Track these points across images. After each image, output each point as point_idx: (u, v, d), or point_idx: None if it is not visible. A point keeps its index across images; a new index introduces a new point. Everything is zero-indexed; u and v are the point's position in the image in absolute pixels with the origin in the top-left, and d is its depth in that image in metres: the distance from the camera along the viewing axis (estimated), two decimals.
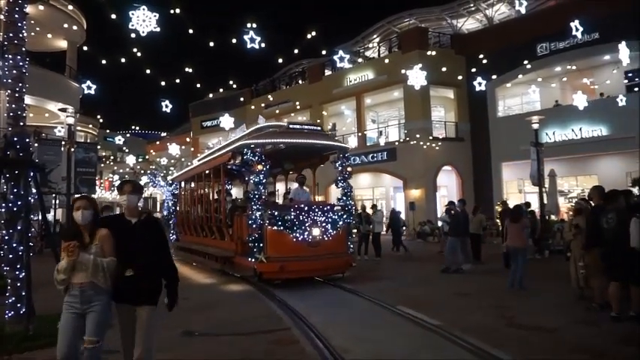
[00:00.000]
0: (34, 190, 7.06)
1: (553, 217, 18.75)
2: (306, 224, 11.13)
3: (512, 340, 6.49)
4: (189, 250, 17.15)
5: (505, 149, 26.02)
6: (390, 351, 6.15)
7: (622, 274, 7.07)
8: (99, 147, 38.99)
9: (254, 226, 11.05)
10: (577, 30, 14.55)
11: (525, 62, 22.93)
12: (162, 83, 15.19)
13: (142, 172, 45.54)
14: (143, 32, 9.58)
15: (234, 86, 21.44)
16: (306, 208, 11.28)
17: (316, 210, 11.41)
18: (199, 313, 8.28)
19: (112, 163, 54.91)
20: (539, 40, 25.67)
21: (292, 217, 11.06)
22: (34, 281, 6.74)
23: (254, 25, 11.48)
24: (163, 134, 52.12)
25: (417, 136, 28.35)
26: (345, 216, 11.73)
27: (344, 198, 12.11)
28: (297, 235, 11.03)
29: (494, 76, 22.52)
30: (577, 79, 24.83)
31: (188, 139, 46.28)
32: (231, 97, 39.90)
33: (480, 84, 17.64)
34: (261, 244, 10.93)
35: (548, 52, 25.62)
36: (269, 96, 39.06)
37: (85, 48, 21.39)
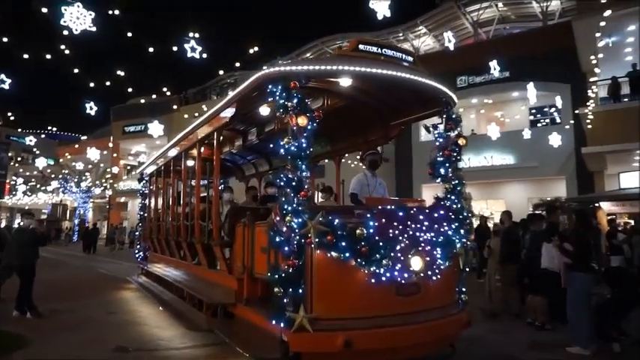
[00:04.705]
0: None
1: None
2: (400, 247, 4.97)
3: None
4: (158, 280, 10.43)
5: (426, 172, 22.90)
6: None
7: (534, 288, 7.67)
8: None
9: (285, 248, 4.81)
10: (495, 69, 16.26)
11: None
12: (89, 84, 13.99)
13: (53, 176, 39.53)
14: (76, 30, 8.83)
15: (168, 93, 20.47)
16: (399, 215, 5.00)
17: (420, 217, 5.12)
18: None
19: (17, 165, 46.91)
20: (459, 73, 25.60)
21: (371, 231, 4.87)
22: None
23: (196, 35, 10.90)
24: (83, 137, 43.88)
25: (346, 155, 22.88)
26: (462, 232, 5.63)
27: (452, 197, 5.67)
28: (380, 270, 4.81)
29: None
30: (491, 111, 25.63)
31: (111, 145, 40.09)
32: (159, 103, 34.82)
33: None
34: (301, 289, 4.72)
35: (466, 85, 25.61)
36: (203, 106, 32.77)
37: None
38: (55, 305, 8.73)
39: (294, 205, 4.83)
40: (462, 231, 5.38)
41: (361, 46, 5.33)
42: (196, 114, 31.52)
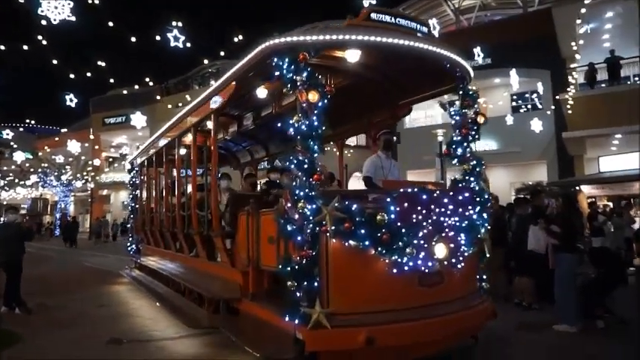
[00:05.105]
0: None
1: None
2: (423, 234, 4.36)
3: None
4: (153, 273, 9.65)
5: (411, 159, 23.69)
6: None
7: (521, 270, 7.62)
8: None
9: (298, 237, 4.22)
10: (478, 55, 16.66)
11: None
12: (69, 75, 12.71)
13: (32, 170, 37.21)
14: (55, 20, 8.16)
15: (150, 83, 19.31)
16: (423, 198, 4.44)
17: (444, 201, 4.50)
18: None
19: None
20: None
21: (392, 217, 4.31)
22: None
23: (179, 24, 10.14)
24: (63, 130, 40.83)
25: (331, 143, 22.47)
26: (484, 215, 5.00)
27: (471, 179, 5.06)
28: (402, 259, 4.23)
29: None
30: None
31: (92, 137, 37.48)
32: (141, 94, 32.77)
33: None
34: (316, 281, 4.13)
35: None
36: (187, 96, 30.49)
37: None
38: (44, 300, 8.14)
39: (307, 191, 4.20)
40: (484, 215, 4.79)
41: (373, 15, 4.65)
42: (180, 104, 30.32)
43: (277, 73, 4.39)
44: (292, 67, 4.28)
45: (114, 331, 6.07)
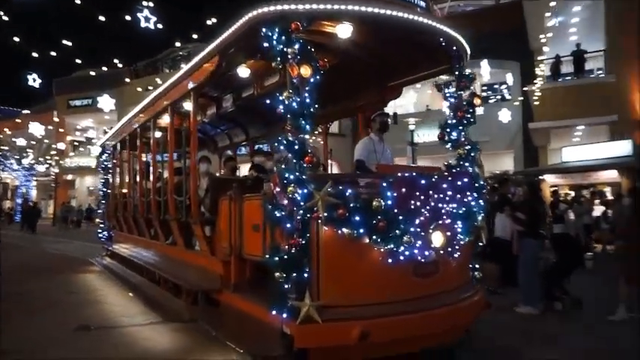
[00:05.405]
0: None
1: None
2: (419, 221, 3.98)
3: None
4: (126, 262, 8.92)
5: None
6: None
7: (488, 256, 7.05)
8: None
9: (287, 225, 3.77)
10: None
11: None
12: (32, 54, 12.20)
13: None
14: None
15: (120, 65, 18.46)
16: (421, 183, 4.02)
17: (443, 186, 4.12)
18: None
19: None
20: None
21: (389, 202, 3.90)
22: None
23: (150, 4, 9.55)
24: (25, 111, 36.66)
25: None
26: (480, 202, 4.60)
27: (466, 164, 4.65)
28: (398, 248, 3.83)
29: None
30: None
31: (56, 119, 35.12)
32: (108, 75, 30.64)
33: None
34: (306, 272, 3.69)
35: None
36: (157, 79, 28.65)
37: None
38: (8, 288, 7.40)
39: (298, 174, 3.72)
40: (481, 202, 4.41)
41: None
42: (150, 87, 28.81)
43: (266, 45, 3.85)
44: (283, 38, 3.76)
45: (82, 318, 5.73)
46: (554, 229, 10.01)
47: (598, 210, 13.97)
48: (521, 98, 19.51)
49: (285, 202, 3.73)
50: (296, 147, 3.76)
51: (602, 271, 8.45)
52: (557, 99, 17.88)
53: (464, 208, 4.17)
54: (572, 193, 17.78)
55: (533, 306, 6.20)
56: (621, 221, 7.71)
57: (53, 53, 12.20)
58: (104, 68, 21.54)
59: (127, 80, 29.08)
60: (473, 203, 4.26)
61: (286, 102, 3.78)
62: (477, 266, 4.70)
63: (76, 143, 38.26)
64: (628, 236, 6.27)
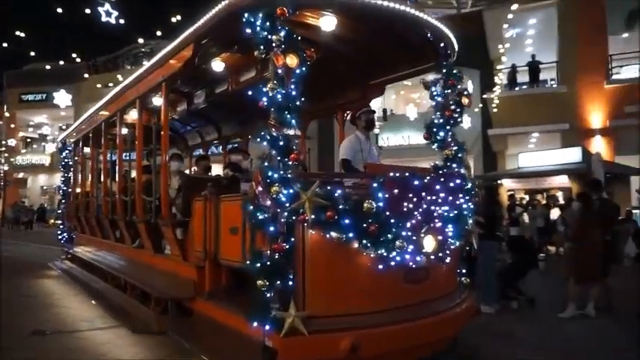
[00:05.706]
0: None
1: None
2: (411, 225, 3.63)
3: None
4: (88, 266, 8.11)
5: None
6: None
7: None
8: None
9: (270, 228, 3.38)
10: None
11: None
12: None
13: None
14: None
15: (78, 60, 16.77)
16: (414, 184, 3.66)
17: (435, 188, 3.75)
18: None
19: None
20: None
21: (380, 204, 3.47)
22: None
23: None
24: None
25: None
26: (470, 204, 4.28)
27: (454, 165, 4.28)
28: (389, 253, 3.46)
29: None
30: (409, 93, 23.97)
31: (7, 114, 32.28)
32: (65, 70, 28.79)
33: None
34: (290, 280, 3.27)
35: None
36: (118, 76, 26.55)
37: None
38: None
39: (282, 172, 3.28)
40: (470, 204, 4.10)
41: None
42: (111, 84, 27.26)
43: (249, 31, 3.40)
44: (267, 24, 3.32)
45: (38, 323, 5.39)
46: (511, 232, 10.19)
47: (554, 213, 14.17)
48: (481, 105, 19.67)
49: (269, 203, 3.29)
50: (280, 143, 3.33)
51: (553, 272, 8.57)
52: (513, 107, 18.17)
53: (455, 211, 3.85)
54: (527, 197, 18.11)
55: (490, 305, 6.22)
56: (571, 224, 7.81)
57: (4, 44, 11.08)
58: (61, 62, 19.74)
59: (86, 76, 27.24)
60: (464, 206, 3.93)
61: (270, 94, 3.34)
62: (464, 271, 4.39)
63: (28, 140, 35.58)
64: (577, 239, 6.48)
